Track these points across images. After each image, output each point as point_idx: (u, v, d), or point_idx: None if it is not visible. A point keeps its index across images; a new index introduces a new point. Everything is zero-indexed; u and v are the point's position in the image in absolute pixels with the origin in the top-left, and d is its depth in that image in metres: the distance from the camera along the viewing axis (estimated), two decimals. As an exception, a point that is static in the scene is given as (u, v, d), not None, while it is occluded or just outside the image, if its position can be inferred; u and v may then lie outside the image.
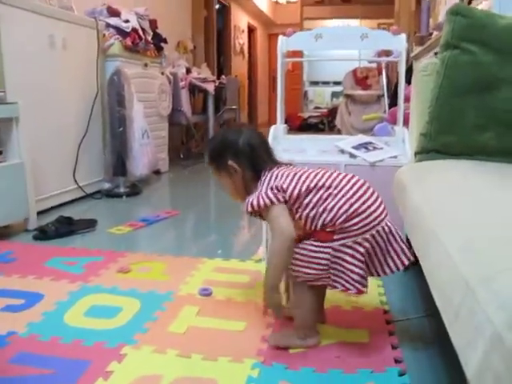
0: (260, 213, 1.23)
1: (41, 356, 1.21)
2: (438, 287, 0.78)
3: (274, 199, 1.17)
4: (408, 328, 1.39)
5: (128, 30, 3.53)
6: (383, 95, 4.59)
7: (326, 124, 8.56)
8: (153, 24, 4.02)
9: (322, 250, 1.15)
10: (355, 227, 1.13)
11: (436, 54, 1.71)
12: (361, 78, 5.30)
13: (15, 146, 2.28)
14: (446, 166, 1.33)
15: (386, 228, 1.16)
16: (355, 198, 1.15)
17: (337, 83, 9.20)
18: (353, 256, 1.13)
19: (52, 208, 2.76)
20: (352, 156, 1.84)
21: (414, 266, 1.81)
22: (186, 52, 5.89)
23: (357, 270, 1.13)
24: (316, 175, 1.19)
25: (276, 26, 10.99)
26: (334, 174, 1.20)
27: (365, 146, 1.89)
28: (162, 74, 4.18)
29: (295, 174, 1.20)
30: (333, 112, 7.39)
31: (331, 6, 10.16)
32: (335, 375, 1.13)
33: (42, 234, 2.24)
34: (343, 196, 1.15)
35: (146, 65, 3.79)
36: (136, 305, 1.51)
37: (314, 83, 11.57)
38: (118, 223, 2.50)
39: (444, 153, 1.43)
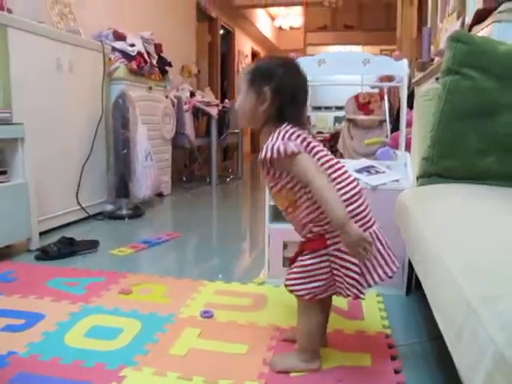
0: (271, 165, 1.16)
1: (41, 376, 1.20)
2: (440, 309, 0.78)
3: (302, 149, 1.13)
4: (411, 352, 1.37)
5: (133, 54, 3.59)
6: (385, 120, 4.62)
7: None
8: (158, 48, 4.09)
9: (320, 259, 1.15)
10: None
11: (437, 79, 1.74)
12: (363, 104, 5.34)
13: (19, 166, 2.30)
14: (448, 190, 1.34)
15: (374, 235, 1.16)
16: (351, 200, 1.14)
17: (339, 108, 9.26)
18: (346, 260, 1.13)
19: (54, 229, 2.77)
20: (354, 179, 1.85)
21: (416, 290, 1.80)
22: (190, 76, 5.96)
23: (351, 274, 1.12)
24: (327, 161, 1.16)
25: (279, 51, 11.14)
26: (343, 169, 1.18)
27: (367, 170, 1.90)
28: (167, 97, 4.23)
29: (313, 148, 1.16)
30: (335, 136, 7.43)
31: (334, 32, 10.32)
32: (337, 399, 1.12)
33: (44, 255, 2.24)
34: (341, 196, 1.13)
35: (150, 88, 3.84)
36: (137, 326, 1.50)
37: (317, 108, 11.63)
38: (119, 245, 2.51)
39: (446, 177, 1.44)
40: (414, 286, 1.85)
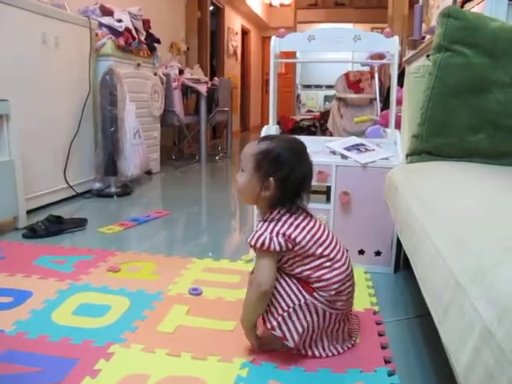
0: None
1: (28, 354, 1.19)
2: (428, 285, 0.78)
3: (283, 247, 1.13)
4: (398, 329, 1.39)
5: (121, 30, 3.52)
6: (375, 99, 4.61)
7: (318, 127, 8.57)
8: (146, 24, 4.01)
9: (297, 294, 1.16)
10: (331, 302, 1.16)
11: (428, 56, 1.72)
12: (353, 82, 5.31)
13: (5, 143, 2.26)
14: (437, 167, 1.34)
15: (342, 315, 1.21)
16: (345, 279, 1.17)
17: (329, 87, 9.21)
18: (311, 314, 1.15)
19: (42, 207, 2.74)
20: (343, 157, 1.84)
21: (404, 268, 1.82)
22: (179, 53, 5.88)
23: (306, 325, 1.15)
24: (324, 241, 1.16)
25: (270, 28, 11.00)
26: (333, 244, 1.18)
27: (356, 148, 1.89)
28: (155, 74, 4.17)
29: (309, 231, 1.16)
30: (325, 115, 7.40)
31: (324, 9, 10.19)
32: (324, 374, 1.13)
33: (32, 233, 2.22)
34: (337, 275, 1.15)
35: (138, 65, 3.78)
36: (125, 304, 1.49)
37: (307, 87, 11.57)
38: (108, 223, 2.49)
39: (435, 154, 1.44)
40: (402, 263, 1.86)
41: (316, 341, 1.20)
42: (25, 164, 2.42)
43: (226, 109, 5.45)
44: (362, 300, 1.55)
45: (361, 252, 1.83)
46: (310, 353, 1.19)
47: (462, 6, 1.98)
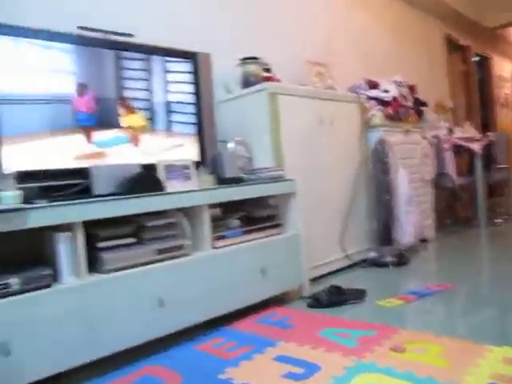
0: None
1: None
2: None
3: None
4: None
5: (388, 100, 3.60)
6: None
7: None
8: (412, 90, 4.02)
9: None
10: None
11: None
12: None
13: (292, 218, 2.50)
14: None
15: None
16: None
17: None
18: None
19: (321, 276, 2.88)
20: None
21: None
22: (444, 112, 5.68)
23: None
24: None
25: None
26: None
27: None
28: (424, 137, 4.09)
29: None
30: None
31: None
32: None
33: (316, 302, 2.34)
34: None
35: (407, 131, 3.77)
36: (415, 391, 1.40)
37: None
38: (385, 294, 2.45)
39: None
40: None
41: None
42: (306, 235, 2.61)
43: (504, 166, 4.96)
44: None
45: None
46: None
47: None
